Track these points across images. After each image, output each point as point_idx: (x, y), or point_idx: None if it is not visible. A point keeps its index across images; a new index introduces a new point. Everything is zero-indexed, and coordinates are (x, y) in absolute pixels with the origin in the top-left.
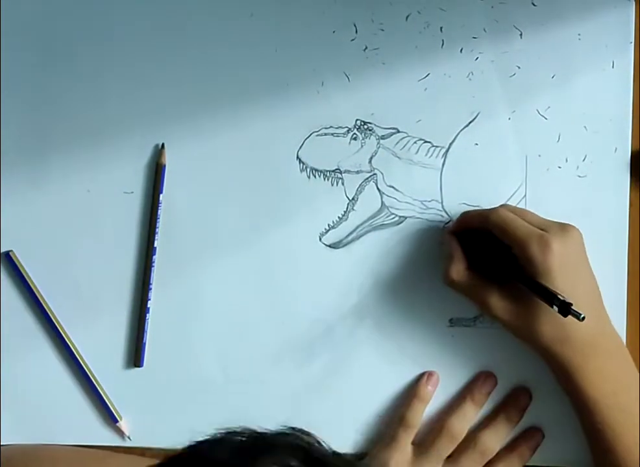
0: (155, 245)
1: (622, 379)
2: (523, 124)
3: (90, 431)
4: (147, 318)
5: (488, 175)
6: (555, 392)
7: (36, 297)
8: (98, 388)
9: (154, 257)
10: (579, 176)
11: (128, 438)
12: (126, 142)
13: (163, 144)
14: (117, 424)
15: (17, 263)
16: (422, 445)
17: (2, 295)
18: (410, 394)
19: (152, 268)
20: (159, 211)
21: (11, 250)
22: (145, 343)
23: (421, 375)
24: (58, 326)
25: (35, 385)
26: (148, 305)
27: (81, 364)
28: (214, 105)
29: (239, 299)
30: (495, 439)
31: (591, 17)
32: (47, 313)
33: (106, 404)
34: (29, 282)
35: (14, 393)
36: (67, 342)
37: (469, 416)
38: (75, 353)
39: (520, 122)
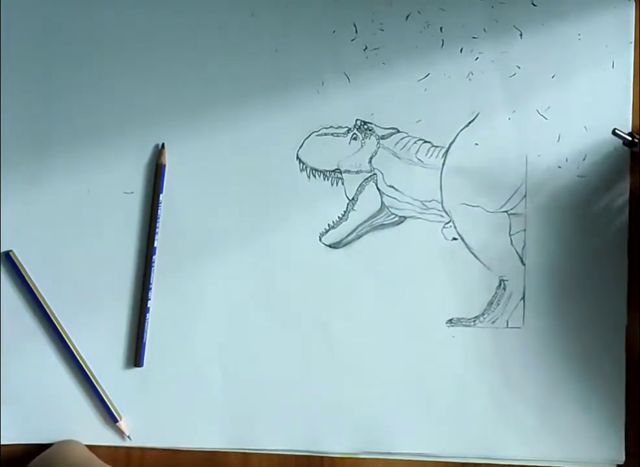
0: (155, 245)
1: None
2: (523, 124)
3: (90, 430)
4: (147, 318)
5: (488, 175)
6: (557, 391)
7: (36, 297)
8: (98, 388)
9: (154, 257)
10: (579, 176)
11: (128, 437)
12: (126, 142)
13: (163, 144)
14: (117, 424)
15: (17, 263)
16: None
17: (2, 295)
18: None
19: (152, 268)
20: (159, 211)
21: (11, 250)
22: (145, 343)
23: None
24: (58, 326)
25: (35, 385)
26: (148, 305)
27: (81, 364)
28: (214, 105)
29: (239, 299)
30: None
31: (591, 17)
32: (47, 313)
33: (106, 404)
34: (29, 282)
35: (14, 393)
36: (67, 342)
37: None
38: (75, 353)
39: (520, 122)
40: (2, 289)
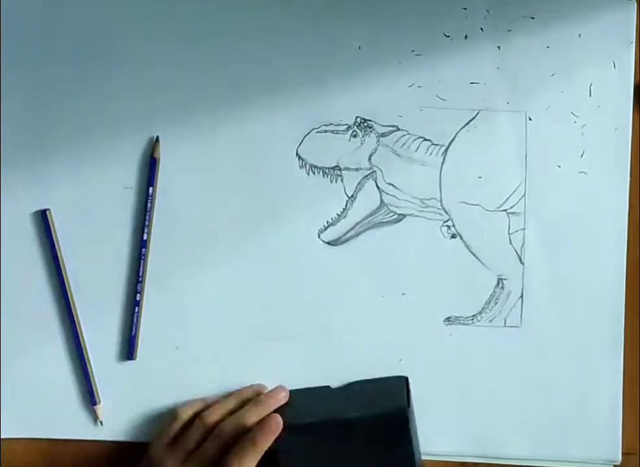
0: (145, 238)
1: None
2: (523, 123)
3: (89, 427)
4: (136, 311)
5: (488, 174)
6: (554, 391)
7: (63, 283)
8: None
9: (143, 250)
10: (579, 176)
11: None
12: (120, 135)
13: (157, 138)
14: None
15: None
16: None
17: (2, 295)
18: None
19: (143, 262)
20: (149, 204)
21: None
22: (137, 336)
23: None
24: (65, 319)
25: (34, 378)
26: (137, 298)
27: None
28: (213, 101)
29: (236, 295)
30: (232, 424)
31: (592, 16)
32: (69, 304)
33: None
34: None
35: (13, 386)
36: (69, 336)
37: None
38: (74, 347)
39: (520, 121)
40: (2, 289)
